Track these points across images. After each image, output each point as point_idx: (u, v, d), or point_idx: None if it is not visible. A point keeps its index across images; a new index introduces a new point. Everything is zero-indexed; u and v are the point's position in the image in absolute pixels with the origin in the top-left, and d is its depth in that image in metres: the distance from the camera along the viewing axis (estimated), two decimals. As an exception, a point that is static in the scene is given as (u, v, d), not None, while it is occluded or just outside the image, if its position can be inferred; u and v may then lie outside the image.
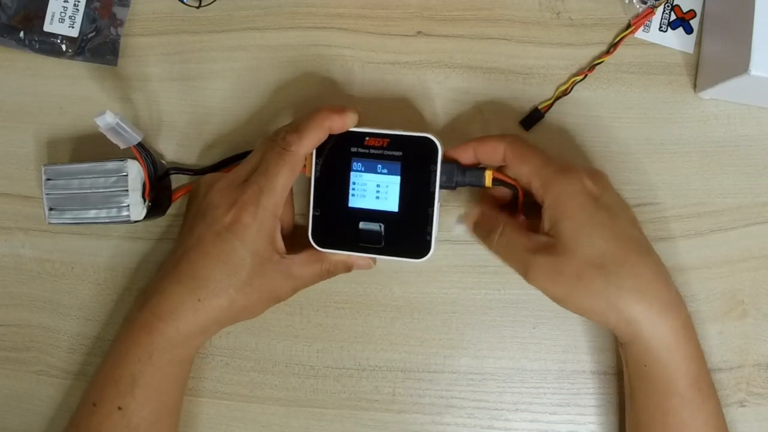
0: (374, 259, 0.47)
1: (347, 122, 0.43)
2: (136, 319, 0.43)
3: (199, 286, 0.42)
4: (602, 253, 0.38)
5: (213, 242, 0.42)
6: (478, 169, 0.44)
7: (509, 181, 0.43)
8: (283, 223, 0.46)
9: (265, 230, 0.42)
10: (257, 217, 0.42)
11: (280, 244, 0.44)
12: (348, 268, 0.47)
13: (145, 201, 0.47)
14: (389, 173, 0.45)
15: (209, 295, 0.42)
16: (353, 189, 0.46)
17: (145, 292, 0.46)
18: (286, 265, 0.44)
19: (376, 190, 0.46)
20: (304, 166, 0.47)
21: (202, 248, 0.42)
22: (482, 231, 0.43)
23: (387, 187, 0.46)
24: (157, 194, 0.48)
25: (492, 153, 0.43)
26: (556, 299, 0.40)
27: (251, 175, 0.43)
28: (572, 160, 0.49)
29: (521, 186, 0.43)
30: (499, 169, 0.44)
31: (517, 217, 0.44)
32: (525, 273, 0.40)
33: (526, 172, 0.41)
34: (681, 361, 0.39)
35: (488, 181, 0.44)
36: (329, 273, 0.46)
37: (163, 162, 0.50)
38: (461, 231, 0.48)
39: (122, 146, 0.44)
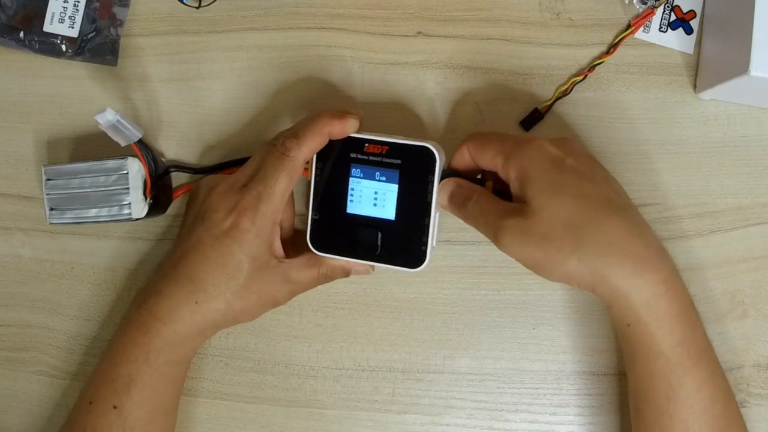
0: (372, 266, 0.47)
1: (348, 128, 0.43)
2: (133, 319, 0.44)
3: (198, 289, 0.42)
4: (570, 212, 0.37)
5: (212, 246, 0.42)
6: (478, 180, 0.44)
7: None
8: (283, 227, 0.46)
9: (264, 235, 0.42)
10: (256, 223, 0.42)
11: (279, 248, 0.44)
12: (346, 273, 0.47)
13: (146, 198, 0.47)
14: (387, 181, 0.45)
15: (207, 298, 0.42)
16: (351, 195, 0.46)
17: (143, 292, 0.46)
18: (284, 269, 0.44)
19: (373, 197, 0.45)
20: (306, 169, 0.47)
21: (201, 251, 0.42)
22: (457, 200, 0.43)
23: (385, 194, 0.45)
24: (158, 192, 0.48)
25: (463, 161, 0.43)
26: (528, 264, 0.39)
27: (251, 180, 0.43)
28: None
29: (492, 174, 0.43)
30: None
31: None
32: (495, 237, 0.39)
33: (490, 155, 0.41)
34: (662, 318, 0.37)
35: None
36: (327, 278, 0.46)
37: (163, 160, 0.50)
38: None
39: (123, 144, 0.44)
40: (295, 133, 0.43)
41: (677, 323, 0.38)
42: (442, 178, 0.44)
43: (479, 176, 0.45)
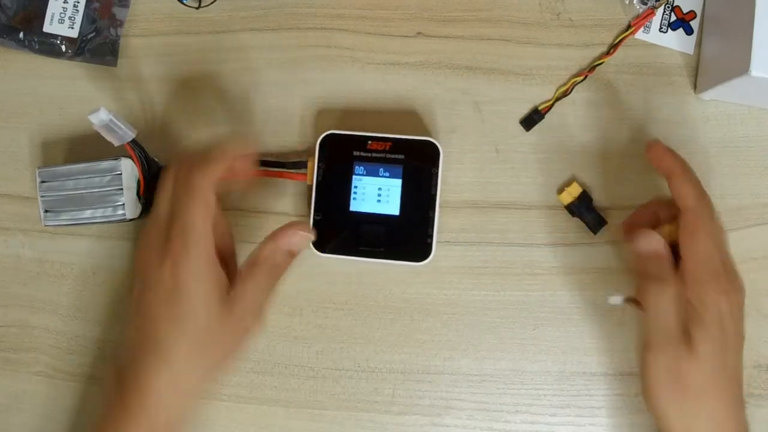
0: (312, 230, 0.43)
1: (248, 163, 0.42)
2: (110, 401, 0.40)
3: (165, 354, 0.39)
4: (711, 380, 0.38)
5: (159, 304, 0.39)
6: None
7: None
8: (221, 246, 0.41)
9: (205, 277, 0.39)
10: (191, 269, 0.38)
11: (224, 279, 0.40)
12: (288, 254, 0.42)
13: (140, 199, 0.47)
14: (391, 177, 0.46)
15: (177, 361, 0.39)
16: (354, 193, 0.46)
17: (115, 370, 0.41)
18: (233, 298, 0.40)
19: (377, 194, 0.46)
20: (305, 174, 0.47)
21: (152, 311, 0.39)
22: (649, 268, 0.39)
23: (388, 190, 0.46)
24: (152, 192, 0.48)
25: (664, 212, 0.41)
26: (647, 386, 0.39)
27: (170, 217, 0.40)
28: (572, 160, 0.49)
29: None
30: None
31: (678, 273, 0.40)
32: (647, 347, 0.39)
33: (686, 250, 0.38)
34: None
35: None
36: (273, 270, 0.41)
37: (157, 160, 0.50)
38: (617, 303, 0.44)
39: (116, 143, 0.44)
40: (202, 159, 0.40)
41: None
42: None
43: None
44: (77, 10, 0.51)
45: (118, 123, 0.43)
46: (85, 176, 0.47)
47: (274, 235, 0.41)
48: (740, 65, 0.41)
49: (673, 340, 0.38)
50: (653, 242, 0.40)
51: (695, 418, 0.38)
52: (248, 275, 0.41)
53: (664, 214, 0.43)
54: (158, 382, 0.39)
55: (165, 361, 0.39)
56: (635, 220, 0.45)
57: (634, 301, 0.42)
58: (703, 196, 0.40)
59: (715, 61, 0.47)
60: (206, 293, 0.39)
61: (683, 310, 0.38)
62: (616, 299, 0.43)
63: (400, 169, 0.46)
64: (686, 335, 0.38)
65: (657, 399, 0.39)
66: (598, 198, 0.48)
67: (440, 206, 0.46)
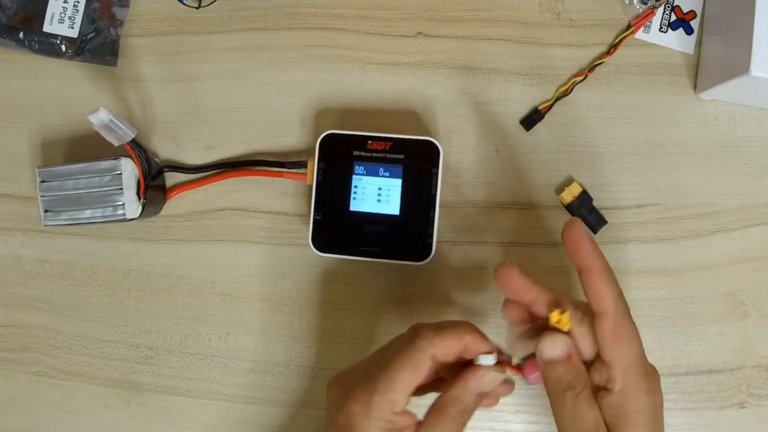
0: (503, 372, 0.38)
1: (483, 348, 0.37)
2: None
3: None
4: None
5: None
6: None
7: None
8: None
9: (383, 427, 0.36)
10: (371, 416, 0.36)
11: (403, 424, 0.37)
12: (478, 396, 0.38)
13: (140, 199, 0.47)
14: (391, 176, 0.46)
15: None
16: (354, 193, 0.46)
17: None
18: None
19: (377, 194, 0.46)
20: (305, 173, 0.47)
21: None
22: (558, 376, 0.36)
23: (389, 190, 0.46)
24: (152, 192, 0.48)
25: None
26: None
27: (372, 365, 0.38)
28: (572, 160, 0.49)
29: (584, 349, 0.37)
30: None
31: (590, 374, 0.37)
32: None
33: (612, 357, 0.35)
34: None
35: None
36: (462, 414, 0.37)
37: (157, 160, 0.50)
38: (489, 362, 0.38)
39: (116, 143, 0.44)
40: (434, 324, 0.38)
41: None
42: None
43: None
44: (77, 10, 0.51)
45: (118, 123, 0.43)
46: (84, 176, 0.47)
47: (462, 378, 0.37)
48: (740, 65, 0.41)
49: None
50: (561, 347, 0.36)
51: None
52: (436, 421, 0.37)
53: (545, 300, 0.38)
54: None
55: None
56: (516, 300, 0.40)
57: (511, 366, 0.38)
58: (621, 296, 0.36)
59: (715, 61, 0.47)
60: None
61: (609, 415, 0.36)
62: (487, 359, 0.38)
63: (400, 168, 0.46)
64: None
65: None
66: (598, 198, 0.48)
67: (440, 206, 0.46)
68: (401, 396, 0.36)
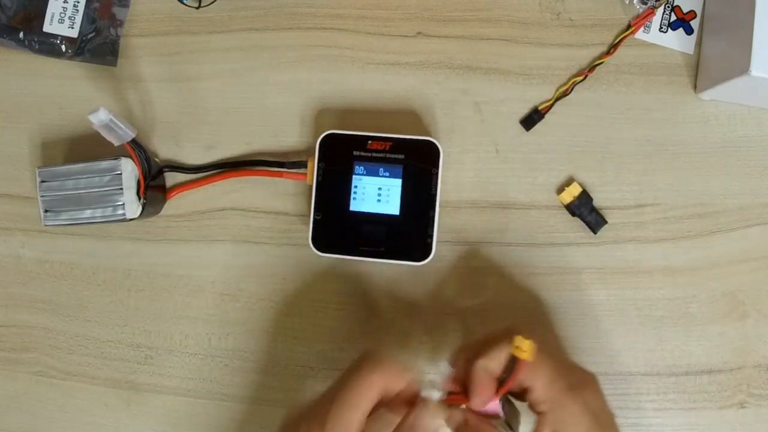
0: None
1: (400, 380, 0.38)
2: None
3: None
4: None
5: None
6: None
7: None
8: None
9: None
10: None
11: None
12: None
13: (140, 199, 0.47)
14: (391, 176, 0.46)
15: None
16: (354, 193, 0.46)
17: None
18: None
19: (377, 194, 0.46)
20: (305, 173, 0.47)
21: None
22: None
23: (389, 190, 0.46)
24: (152, 192, 0.48)
25: (497, 364, 0.38)
26: None
27: (321, 406, 0.38)
28: (572, 160, 0.49)
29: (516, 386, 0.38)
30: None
31: (492, 404, 0.39)
32: None
33: (530, 383, 0.38)
34: None
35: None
36: None
37: (157, 160, 0.50)
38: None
39: (116, 143, 0.44)
40: (369, 369, 0.38)
41: None
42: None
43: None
44: (77, 10, 0.51)
45: (118, 123, 0.43)
46: (84, 176, 0.47)
47: (410, 415, 0.38)
48: (740, 65, 0.41)
49: None
50: (456, 418, 0.38)
51: None
52: None
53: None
54: None
55: None
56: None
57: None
58: (504, 336, 0.38)
59: (715, 61, 0.47)
60: None
61: (553, 430, 0.37)
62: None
63: (400, 168, 0.46)
64: None
65: None
66: (598, 198, 0.48)
67: (440, 206, 0.46)
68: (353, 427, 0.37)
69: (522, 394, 0.39)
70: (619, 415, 0.48)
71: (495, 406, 0.39)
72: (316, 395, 0.39)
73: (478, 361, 0.38)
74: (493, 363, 0.38)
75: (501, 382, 0.38)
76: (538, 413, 0.38)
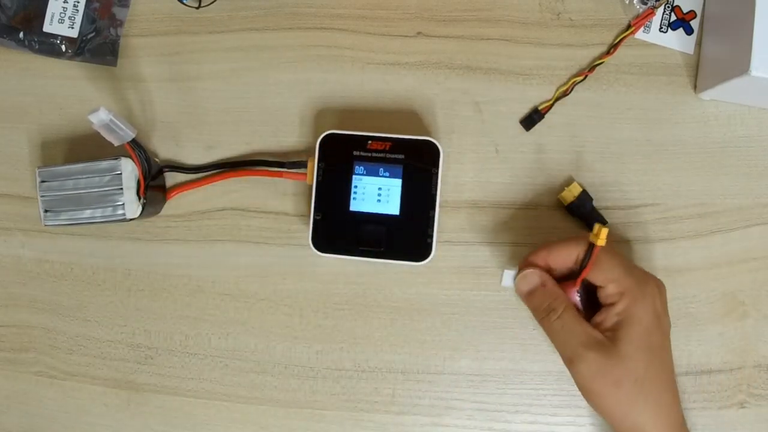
0: None
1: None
2: None
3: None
4: (645, 371, 0.40)
5: None
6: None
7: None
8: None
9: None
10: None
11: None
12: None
13: (140, 199, 0.47)
14: (391, 176, 0.46)
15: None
16: (354, 192, 0.46)
17: None
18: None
19: (377, 194, 0.46)
20: (305, 173, 0.47)
21: None
22: (538, 304, 0.42)
23: (389, 190, 0.46)
24: (152, 192, 0.48)
25: (566, 259, 0.42)
26: (585, 392, 0.41)
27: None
28: (572, 160, 0.49)
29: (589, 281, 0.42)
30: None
31: (571, 294, 0.43)
32: (570, 361, 0.40)
33: (603, 277, 0.41)
34: None
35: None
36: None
37: (157, 160, 0.50)
38: (509, 285, 0.44)
39: (116, 143, 0.44)
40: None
41: None
42: (519, 269, 0.43)
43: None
44: (77, 9, 0.51)
45: (118, 123, 0.43)
46: (84, 176, 0.47)
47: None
48: (740, 65, 0.41)
49: (585, 351, 0.40)
50: (532, 280, 0.42)
51: (635, 409, 0.40)
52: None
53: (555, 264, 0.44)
54: None
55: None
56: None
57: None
58: (584, 238, 0.42)
59: (715, 61, 0.47)
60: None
61: (614, 322, 0.41)
62: (507, 278, 0.44)
63: (400, 168, 0.46)
64: (596, 341, 0.40)
65: (596, 402, 0.40)
66: (598, 198, 0.48)
67: (440, 206, 0.46)
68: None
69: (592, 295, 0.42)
70: (619, 415, 0.48)
71: (573, 297, 0.43)
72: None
73: (556, 248, 0.42)
74: (570, 252, 0.42)
75: (579, 270, 0.41)
76: (607, 306, 0.41)
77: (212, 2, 0.51)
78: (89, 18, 0.51)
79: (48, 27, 0.51)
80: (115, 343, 0.51)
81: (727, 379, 0.48)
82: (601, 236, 0.40)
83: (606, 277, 0.41)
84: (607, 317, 0.41)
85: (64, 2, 0.51)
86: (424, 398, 0.49)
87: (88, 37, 0.51)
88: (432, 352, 0.49)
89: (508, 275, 0.43)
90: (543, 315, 0.42)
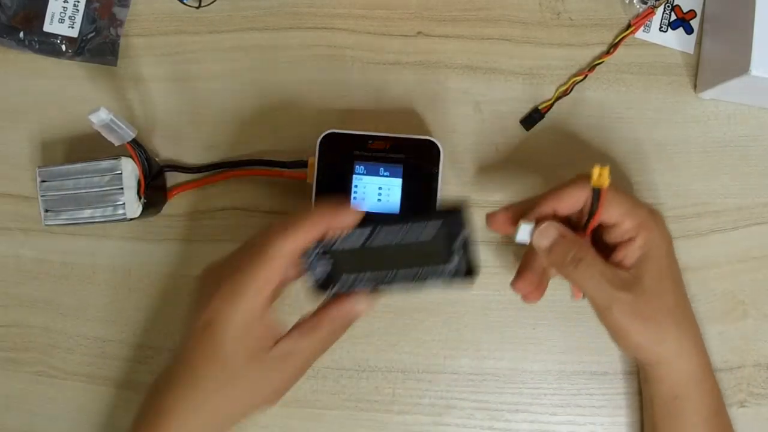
0: (371, 302, 0.40)
1: (344, 223, 0.38)
2: (141, 421, 0.40)
3: (198, 385, 0.39)
4: (675, 301, 0.41)
5: (199, 338, 0.38)
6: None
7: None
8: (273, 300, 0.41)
9: (245, 328, 0.38)
10: (234, 317, 0.37)
11: (269, 334, 0.39)
12: (348, 321, 0.40)
13: (140, 198, 0.47)
14: (391, 176, 0.46)
15: (208, 393, 0.38)
16: (355, 192, 0.46)
17: (151, 391, 0.41)
18: (282, 348, 0.39)
19: (377, 193, 0.46)
20: (305, 173, 0.47)
21: (193, 343, 0.39)
22: (562, 256, 0.40)
23: (389, 190, 0.46)
24: (152, 192, 0.48)
25: (574, 204, 0.40)
26: (621, 334, 0.40)
27: (232, 267, 0.39)
28: (572, 160, 0.49)
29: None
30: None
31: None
32: (607, 307, 0.39)
33: (617, 213, 0.40)
34: (707, 392, 0.43)
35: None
36: (331, 334, 0.40)
37: (157, 160, 0.50)
38: (524, 240, 0.40)
39: (116, 143, 0.44)
40: (282, 229, 0.38)
41: (715, 394, 0.43)
42: (536, 222, 0.40)
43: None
44: (77, 9, 0.51)
45: (119, 122, 0.43)
46: (85, 176, 0.47)
47: (339, 301, 0.39)
48: (740, 65, 0.41)
49: (620, 293, 0.39)
50: (551, 233, 0.40)
51: (670, 339, 0.41)
52: (307, 334, 0.39)
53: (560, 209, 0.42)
54: (186, 403, 0.39)
55: (192, 387, 0.39)
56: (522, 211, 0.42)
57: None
58: (586, 179, 0.40)
59: (715, 61, 0.47)
60: (242, 341, 0.38)
61: (635, 257, 0.40)
62: (523, 233, 0.40)
63: (400, 168, 0.46)
64: (627, 281, 0.40)
65: (632, 341, 0.40)
66: (599, 197, 0.48)
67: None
68: (258, 301, 0.37)
69: (602, 235, 0.42)
70: (620, 414, 0.48)
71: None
72: (228, 255, 0.40)
73: (563, 194, 0.40)
74: (579, 197, 0.40)
75: (588, 219, 0.40)
76: (625, 242, 0.40)
77: (212, 2, 0.51)
78: (89, 18, 0.51)
79: (48, 27, 0.51)
80: (115, 343, 0.51)
81: (727, 379, 0.48)
82: (604, 176, 0.38)
83: (620, 213, 0.40)
84: (628, 253, 0.40)
85: (64, 2, 0.51)
86: (425, 397, 0.49)
87: (89, 36, 0.51)
88: (432, 351, 0.49)
89: (525, 230, 0.40)
90: (571, 266, 0.39)
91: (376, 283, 0.39)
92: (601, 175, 0.39)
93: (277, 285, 0.38)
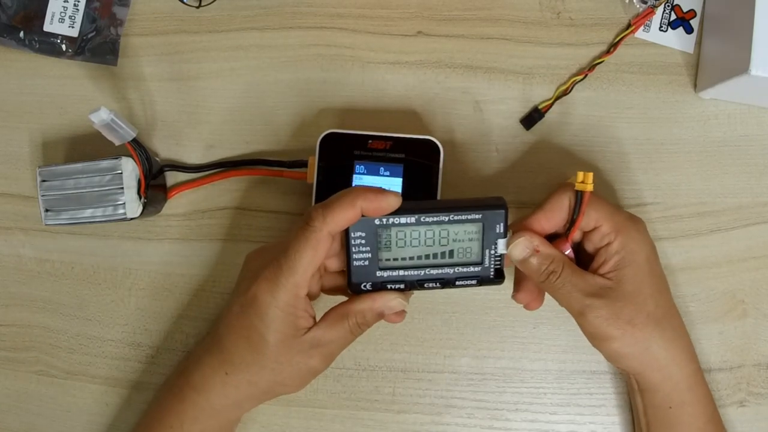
0: (406, 301, 0.41)
1: (384, 204, 0.39)
2: (171, 385, 0.44)
3: (226, 360, 0.41)
4: (656, 304, 0.40)
5: (237, 316, 0.41)
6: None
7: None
8: (311, 293, 0.42)
9: (286, 308, 0.39)
10: (276, 296, 0.39)
11: (305, 319, 0.40)
12: (379, 315, 0.41)
13: (140, 198, 0.47)
14: (391, 176, 0.46)
15: (235, 369, 0.41)
16: None
17: (186, 358, 0.44)
18: (311, 336, 0.40)
19: None
20: (305, 172, 0.47)
21: (229, 320, 0.41)
22: (535, 269, 0.41)
23: (389, 189, 0.46)
24: (153, 191, 0.48)
25: (558, 214, 0.41)
26: (599, 339, 0.40)
27: (279, 249, 0.40)
28: (573, 160, 0.49)
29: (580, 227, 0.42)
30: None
31: (564, 249, 0.42)
32: (580, 314, 0.40)
33: (595, 217, 0.41)
34: (701, 399, 0.42)
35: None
36: (359, 326, 0.41)
37: (158, 159, 0.50)
38: (501, 250, 0.41)
39: (117, 143, 0.44)
40: (324, 204, 0.39)
41: (709, 402, 0.43)
42: (504, 229, 0.40)
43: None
44: (77, 9, 0.51)
45: (119, 122, 0.43)
46: (85, 175, 0.47)
47: (372, 295, 0.41)
48: (740, 64, 0.41)
49: (592, 299, 0.40)
50: (524, 247, 0.40)
51: (653, 343, 0.40)
52: (336, 324, 0.41)
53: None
54: (214, 379, 0.41)
55: (222, 364, 0.41)
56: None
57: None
58: (569, 187, 0.41)
59: (715, 60, 0.47)
60: (281, 321, 0.39)
61: (615, 262, 0.40)
62: (501, 247, 0.41)
63: (400, 168, 0.46)
64: (602, 287, 0.40)
65: (613, 347, 0.40)
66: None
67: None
68: (303, 279, 0.39)
69: (583, 243, 0.43)
70: (620, 413, 0.48)
71: (567, 251, 0.42)
72: (277, 241, 0.42)
73: (547, 205, 0.41)
74: (562, 206, 0.41)
75: (570, 225, 0.41)
76: (604, 247, 0.41)
77: (212, 1, 0.51)
78: (90, 17, 0.51)
79: (48, 26, 0.51)
80: (115, 343, 0.51)
81: (726, 378, 0.48)
82: (588, 181, 0.40)
83: (598, 217, 0.41)
84: (607, 258, 0.41)
85: (64, 1, 0.51)
86: (425, 397, 0.49)
87: (89, 36, 0.51)
88: (432, 350, 0.49)
89: (502, 244, 0.41)
90: (543, 279, 0.40)
91: (409, 282, 0.41)
92: (584, 180, 0.40)
93: (319, 266, 0.40)
